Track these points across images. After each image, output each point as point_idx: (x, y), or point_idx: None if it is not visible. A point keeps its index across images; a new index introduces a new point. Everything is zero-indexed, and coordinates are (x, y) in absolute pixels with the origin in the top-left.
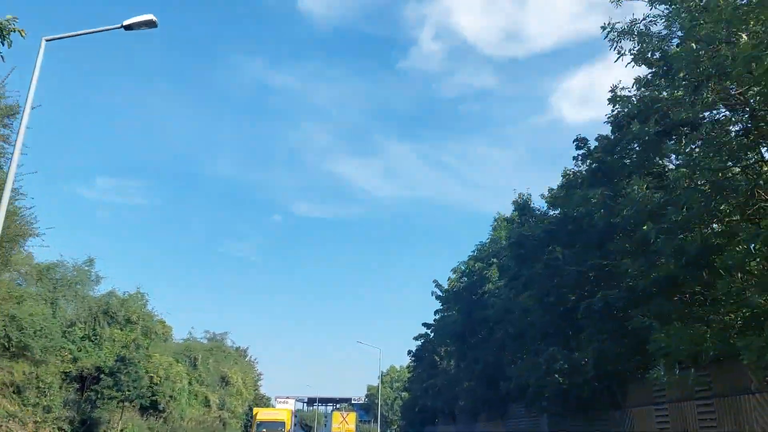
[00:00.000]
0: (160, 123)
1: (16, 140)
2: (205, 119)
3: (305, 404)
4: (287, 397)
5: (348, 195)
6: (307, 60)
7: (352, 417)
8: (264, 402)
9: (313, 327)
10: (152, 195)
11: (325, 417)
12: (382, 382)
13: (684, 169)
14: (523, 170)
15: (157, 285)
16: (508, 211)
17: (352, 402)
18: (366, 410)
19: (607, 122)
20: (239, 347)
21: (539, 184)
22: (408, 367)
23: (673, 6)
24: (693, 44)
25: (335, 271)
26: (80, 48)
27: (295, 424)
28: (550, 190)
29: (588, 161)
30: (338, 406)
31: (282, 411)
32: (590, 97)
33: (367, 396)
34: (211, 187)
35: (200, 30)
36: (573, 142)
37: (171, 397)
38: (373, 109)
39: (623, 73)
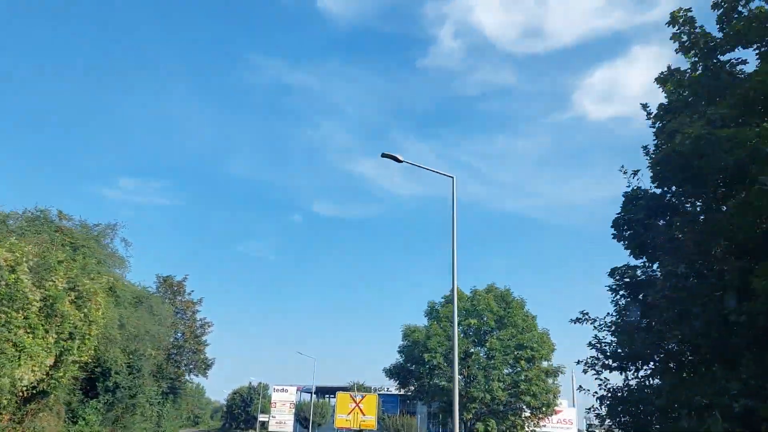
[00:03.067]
0: (180, 123)
1: None
2: (225, 119)
3: (312, 394)
4: (288, 386)
5: (367, 194)
6: (326, 59)
7: (370, 402)
8: (258, 391)
9: (331, 326)
10: (173, 195)
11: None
12: (435, 318)
13: None
14: (545, 168)
15: None
16: None
17: (375, 391)
18: (400, 377)
19: None
20: (169, 277)
21: (560, 182)
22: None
23: None
24: None
25: (355, 270)
26: (100, 50)
27: (295, 421)
28: None
29: None
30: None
31: None
32: (613, 93)
33: (404, 343)
34: (230, 186)
35: (219, 30)
36: None
37: None
38: (392, 108)
39: (647, 68)
